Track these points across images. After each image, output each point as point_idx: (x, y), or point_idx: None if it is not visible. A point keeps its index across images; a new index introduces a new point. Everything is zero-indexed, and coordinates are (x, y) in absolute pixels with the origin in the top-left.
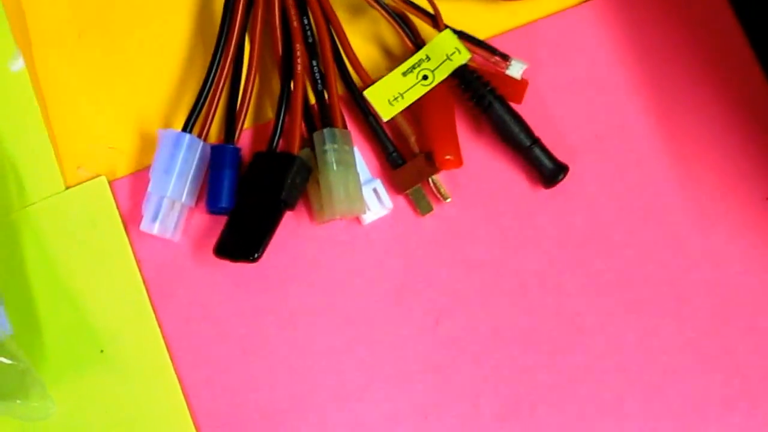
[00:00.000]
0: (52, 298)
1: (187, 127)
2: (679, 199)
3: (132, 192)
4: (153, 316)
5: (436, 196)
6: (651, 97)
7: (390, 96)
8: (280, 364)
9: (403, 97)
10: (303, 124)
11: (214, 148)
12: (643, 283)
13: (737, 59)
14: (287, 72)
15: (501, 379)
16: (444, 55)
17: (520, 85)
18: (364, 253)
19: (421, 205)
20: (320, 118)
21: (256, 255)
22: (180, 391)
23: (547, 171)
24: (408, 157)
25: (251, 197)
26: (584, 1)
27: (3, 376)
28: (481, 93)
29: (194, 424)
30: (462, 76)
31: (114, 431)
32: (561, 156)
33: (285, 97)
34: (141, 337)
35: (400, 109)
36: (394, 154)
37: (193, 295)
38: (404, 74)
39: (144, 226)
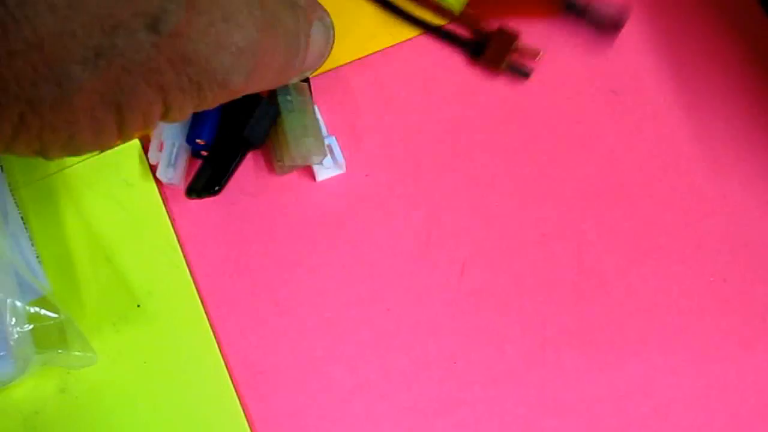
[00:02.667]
0: (90, 257)
1: None
2: (694, 149)
3: None
4: (187, 271)
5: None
6: (664, 51)
7: None
8: (311, 315)
9: None
10: None
11: None
12: (661, 230)
13: (750, 12)
14: None
15: (526, 324)
16: None
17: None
18: (388, 206)
19: (520, 72)
20: None
21: (216, 188)
22: (215, 343)
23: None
24: (483, 40)
25: (223, 139)
26: None
27: (44, 329)
28: None
29: (229, 373)
30: None
31: (152, 381)
32: (578, 110)
33: None
34: (176, 291)
35: None
36: (471, 45)
37: (226, 250)
38: None
39: (160, 173)
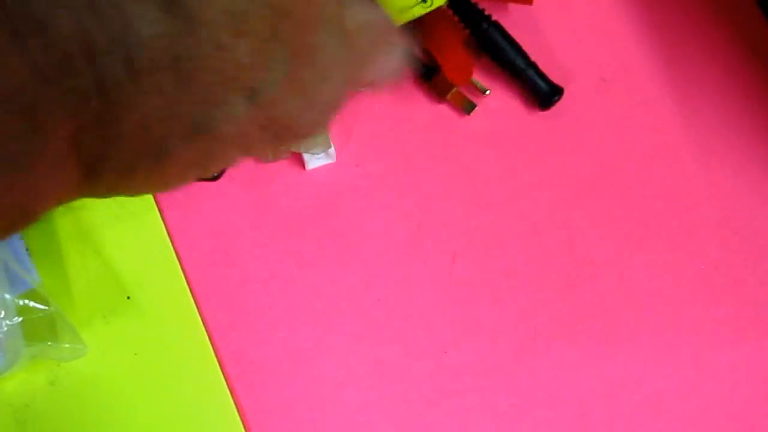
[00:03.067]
0: (79, 249)
1: None
2: (684, 137)
3: None
4: (177, 262)
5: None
6: (655, 40)
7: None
8: (302, 306)
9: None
10: None
11: None
12: (651, 219)
13: (740, 2)
14: None
15: (517, 314)
16: None
17: None
18: (378, 197)
19: (464, 106)
20: None
21: (215, 174)
22: (205, 334)
23: (543, 92)
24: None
25: None
26: None
27: (34, 321)
28: (476, 20)
29: (220, 364)
30: (456, 5)
31: (142, 373)
32: (568, 99)
33: None
34: (166, 283)
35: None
36: (424, 67)
37: (216, 241)
38: None
39: None
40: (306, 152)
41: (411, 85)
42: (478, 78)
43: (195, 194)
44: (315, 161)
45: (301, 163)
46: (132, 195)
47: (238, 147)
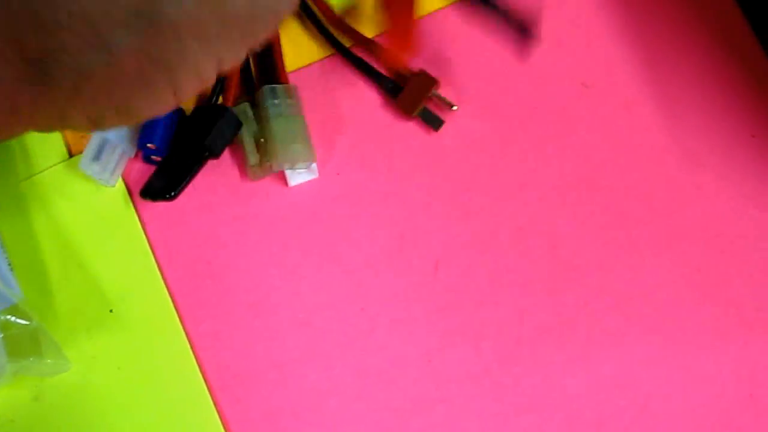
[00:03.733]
0: (62, 263)
1: None
2: (667, 140)
3: (135, 158)
4: (159, 275)
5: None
6: (635, 43)
7: None
8: (285, 317)
9: None
10: (239, 82)
11: None
12: (635, 222)
13: (720, 3)
14: None
15: (501, 320)
16: None
17: None
18: (360, 205)
19: (432, 122)
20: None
21: (172, 194)
22: (189, 346)
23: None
24: (403, 82)
25: (182, 145)
26: None
27: (16, 337)
28: None
29: (203, 376)
30: None
31: (126, 386)
32: (549, 105)
33: None
34: (148, 296)
35: None
36: (390, 84)
37: (198, 253)
38: None
39: (82, 164)
40: (289, 168)
41: (380, 102)
42: (445, 94)
43: (176, 208)
44: (297, 177)
45: (284, 180)
46: (97, 124)
47: (199, 42)
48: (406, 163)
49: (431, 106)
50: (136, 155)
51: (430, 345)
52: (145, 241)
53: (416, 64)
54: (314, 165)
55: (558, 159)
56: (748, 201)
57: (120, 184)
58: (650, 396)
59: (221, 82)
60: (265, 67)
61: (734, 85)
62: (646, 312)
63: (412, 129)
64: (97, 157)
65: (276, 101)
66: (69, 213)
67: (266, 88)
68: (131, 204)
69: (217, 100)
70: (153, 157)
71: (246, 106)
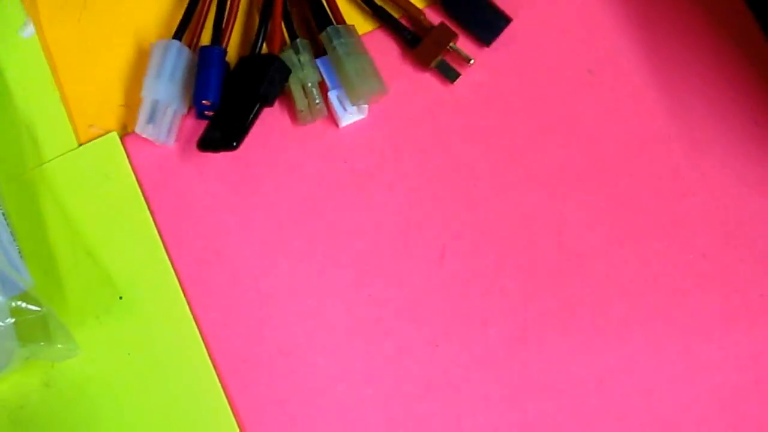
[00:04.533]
0: (71, 250)
1: (176, 36)
2: (672, 127)
3: (143, 145)
4: (168, 261)
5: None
6: (639, 30)
7: None
8: (293, 303)
9: None
10: (284, 29)
11: (201, 49)
12: (640, 210)
13: None
14: None
15: (507, 307)
16: None
17: None
18: (366, 191)
19: (448, 74)
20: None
21: (235, 143)
22: (198, 333)
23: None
24: (423, 34)
25: (233, 96)
26: None
27: (27, 322)
28: None
29: (213, 363)
30: None
31: (136, 373)
32: (553, 92)
33: (266, 5)
34: (157, 282)
35: None
36: (409, 35)
37: (206, 240)
38: None
39: (138, 128)
40: (369, 102)
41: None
42: (462, 47)
43: (184, 193)
44: (348, 118)
45: (296, 159)
46: None
47: None
48: (412, 145)
49: (448, 58)
50: (189, 111)
51: (437, 330)
52: (154, 227)
53: (436, 17)
54: (366, 105)
55: (563, 145)
56: (752, 188)
57: (129, 173)
58: (655, 382)
59: (263, 31)
60: (317, 11)
61: (738, 72)
62: (650, 298)
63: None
64: (151, 118)
65: (342, 40)
66: (78, 201)
67: (331, 28)
68: (139, 190)
69: (260, 49)
70: (206, 112)
71: (290, 53)
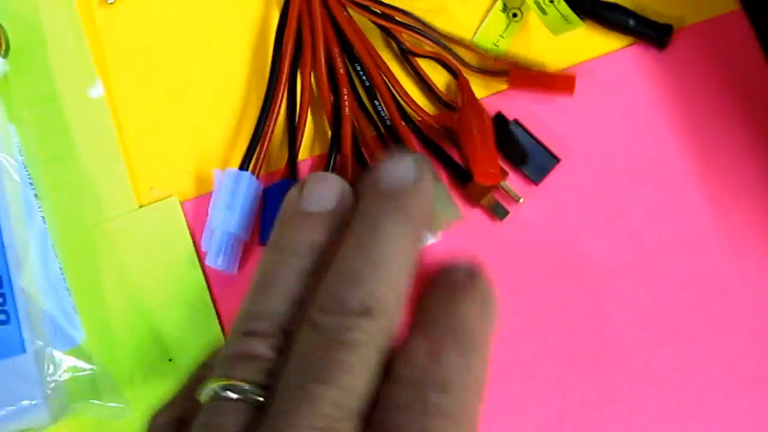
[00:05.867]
0: (125, 309)
1: (243, 166)
2: (713, 230)
3: (202, 212)
4: (219, 329)
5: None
6: (688, 136)
7: (494, 39)
8: None
9: (503, 38)
10: (354, 163)
11: (275, 185)
12: (680, 308)
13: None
14: (337, 116)
15: (545, 395)
16: None
17: (569, 79)
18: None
19: (497, 212)
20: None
21: None
22: None
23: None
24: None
25: None
26: (629, 45)
27: (79, 379)
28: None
29: None
30: None
31: None
32: (600, 188)
33: (335, 140)
34: (208, 348)
35: (504, 51)
36: (460, 171)
37: None
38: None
39: (209, 260)
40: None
41: (448, 186)
42: (512, 186)
43: (241, 264)
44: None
45: None
46: None
47: None
48: (467, 248)
49: (497, 196)
50: (252, 238)
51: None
52: (208, 294)
53: None
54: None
55: (606, 240)
56: None
57: (187, 238)
58: None
59: (331, 164)
60: (392, 141)
61: None
62: (687, 397)
63: (476, 216)
64: (223, 251)
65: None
66: (135, 261)
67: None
68: (197, 257)
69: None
70: None
71: None
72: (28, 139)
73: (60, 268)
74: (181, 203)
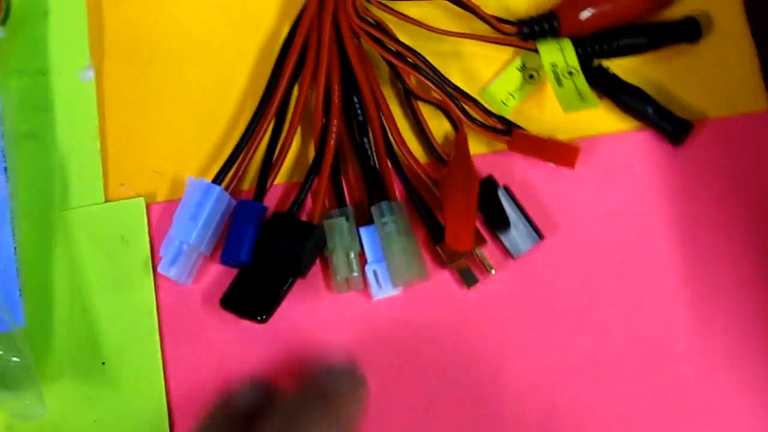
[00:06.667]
0: (69, 303)
1: (218, 179)
2: (689, 344)
3: (167, 218)
4: (158, 343)
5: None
6: (682, 238)
7: (504, 95)
8: None
9: (514, 97)
10: (328, 192)
11: (242, 203)
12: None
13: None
14: (322, 143)
15: None
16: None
17: (572, 151)
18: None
19: (467, 278)
20: (370, 192)
21: (264, 317)
22: (166, 419)
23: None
24: None
25: (267, 257)
26: (642, 129)
27: (3, 368)
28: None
29: None
30: None
31: None
32: (575, 274)
33: (315, 165)
34: (143, 359)
35: (513, 108)
36: (437, 229)
37: (201, 336)
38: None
39: (162, 268)
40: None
41: (422, 240)
42: (488, 254)
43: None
44: (382, 293)
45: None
46: None
47: None
48: (428, 311)
49: (470, 262)
50: (212, 255)
51: None
52: (155, 305)
53: None
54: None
55: (571, 334)
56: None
57: (145, 243)
58: None
59: (304, 192)
60: (372, 181)
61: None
62: None
63: (444, 278)
64: (176, 260)
65: (395, 218)
66: (89, 256)
67: (386, 204)
68: (151, 264)
69: (298, 209)
70: (232, 263)
71: (341, 221)
72: (10, 111)
73: (14, 248)
74: (150, 205)
